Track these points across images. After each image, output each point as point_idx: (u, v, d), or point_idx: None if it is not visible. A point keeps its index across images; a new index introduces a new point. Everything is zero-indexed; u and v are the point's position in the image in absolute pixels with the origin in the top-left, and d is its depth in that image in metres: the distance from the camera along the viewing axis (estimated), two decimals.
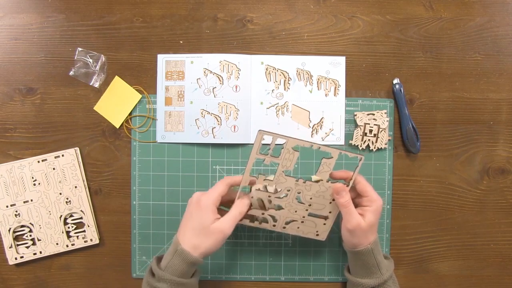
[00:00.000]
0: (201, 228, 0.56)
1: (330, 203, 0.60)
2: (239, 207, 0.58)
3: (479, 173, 0.70)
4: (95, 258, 0.70)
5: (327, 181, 0.58)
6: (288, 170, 0.57)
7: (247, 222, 0.62)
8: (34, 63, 0.69)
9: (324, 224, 0.62)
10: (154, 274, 0.57)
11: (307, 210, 0.61)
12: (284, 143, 0.55)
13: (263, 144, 0.56)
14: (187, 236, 0.57)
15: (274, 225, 0.62)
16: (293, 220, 0.62)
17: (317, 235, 0.64)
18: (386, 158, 0.69)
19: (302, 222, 0.62)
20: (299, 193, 0.59)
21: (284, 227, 0.63)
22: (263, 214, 0.61)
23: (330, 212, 0.61)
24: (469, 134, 0.70)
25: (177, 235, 0.58)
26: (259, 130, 0.53)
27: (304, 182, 0.58)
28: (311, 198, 0.59)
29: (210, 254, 0.57)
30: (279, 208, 0.61)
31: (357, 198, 0.61)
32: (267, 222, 0.62)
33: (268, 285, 0.70)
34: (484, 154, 0.70)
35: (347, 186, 0.58)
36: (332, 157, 0.56)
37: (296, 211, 0.61)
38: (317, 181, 0.58)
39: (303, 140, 0.55)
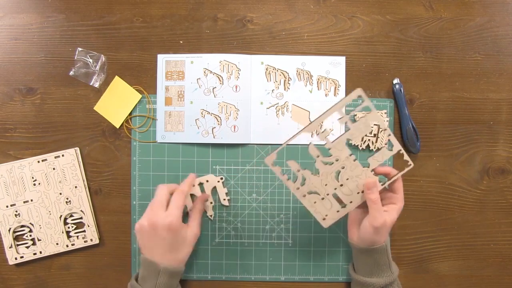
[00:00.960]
0: (182, 244, 0.60)
1: (358, 193, 0.60)
2: (197, 207, 0.64)
3: (479, 173, 0.70)
4: (95, 258, 0.70)
5: (371, 171, 0.59)
6: (350, 142, 0.58)
7: (278, 171, 0.58)
8: (34, 63, 0.69)
9: (338, 211, 0.61)
10: None
11: (335, 189, 0.60)
12: (369, 112, 0.56)
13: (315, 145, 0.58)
14: (168, 257, 0.59)
15: (298, 188, 0.60)
16: (316, 193, 0.60)
17: (324, 219, 0.62)
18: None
19: (323, 198, 0.61)
20: (343, 167, 0.59)
21: (304, 195, 0.61)
22: (298, 171, 0.59)
23: (351, 202, 0.61)
24: (469, 134, 0.70)
25: (152, 257, 0.58)
26: (359, 88, 0.55)
27: (354, 161, 0.58)
28: (347, 179, 0.59)
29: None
30: (316, 172, 0.60)
31: (382, 193, 0.61)
32: (294, 181, 0.60)
33: (268, 285, 0.70)
34: (484, 154, 0.70)
35: (384, 184, 0.59)
36: (391, 150, 0.57)
37: (326, 185, 0.60)
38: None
39: (384, 121, 0.58)
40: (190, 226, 0.62)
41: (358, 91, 0.54)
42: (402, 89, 0.68)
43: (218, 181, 0.69)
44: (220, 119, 0.69)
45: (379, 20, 0.69)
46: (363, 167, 0.59)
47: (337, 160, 0.58)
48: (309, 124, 0.56)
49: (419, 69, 0.70)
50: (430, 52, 0.69)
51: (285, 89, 0.69)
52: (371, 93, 0.69)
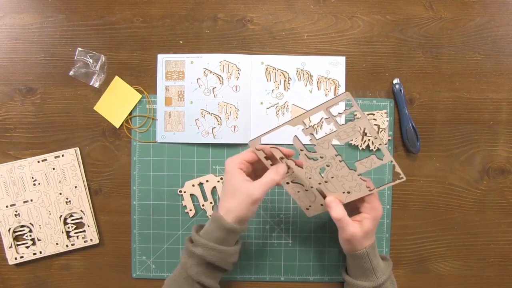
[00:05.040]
0: (231, 190, 0.56)
1: (344, 193, 0.59)
2: (272, 173, 0.57)
3: (479, 173, 0.70)
4: (95, 258, 0.70)
5: (358, 175, 0.57)
6: (336, 143, 0.56)
7: (262, 155, 0.58)
8: (34, 63, 0.69)
9: (322, 205, 0.61)
10: (193, 240, 0.58)
11: (320, 184, 0.59)
12: (358, 118, 0.54)
13: (306, 145, 0.56)
14: (222, 201, 0.57)
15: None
16: (300, 183, 0.60)
17: (307, 209, 0.63)
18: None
19: (306, 190, 0.60)
20: (328, 165, 0.57)
21: (288, 183, 0.61)
22: (282, 158, 0.58)
23: None
24: (469, 134, 0.70)
25: (221, 197, 0.58)
26: (346, 92, 0.52)
27: (340, 162, 0.57)
28: (332, 177, 0.58)
29: (243, 219, 0.56)
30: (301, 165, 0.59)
31: (358, 201, 0.60)
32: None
33: (268, 285, 0.70)
34: (484, 154, 0.70)
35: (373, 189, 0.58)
36: (381, 160, 0.56)
37: (310, 178, 0.59)
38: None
39: (376, 131, 0.54)
40: (252, 183, 0.56)
41: (347, 95, 0.52)
42: (402, 89, 0.68)
43: (218, 181, 0.69)
44: (220, 119, 0.69)
45: (379, 20, 0.69)
46: (350, 169, 0.57)
47: (322, 157, 0.57)
48: (294, 118, 0.55)
49: (419, 69, 0.70)
50: (430, 52, 0.69)
51: (285, 89, 0.69)
52: (371, 93, 0.69)
